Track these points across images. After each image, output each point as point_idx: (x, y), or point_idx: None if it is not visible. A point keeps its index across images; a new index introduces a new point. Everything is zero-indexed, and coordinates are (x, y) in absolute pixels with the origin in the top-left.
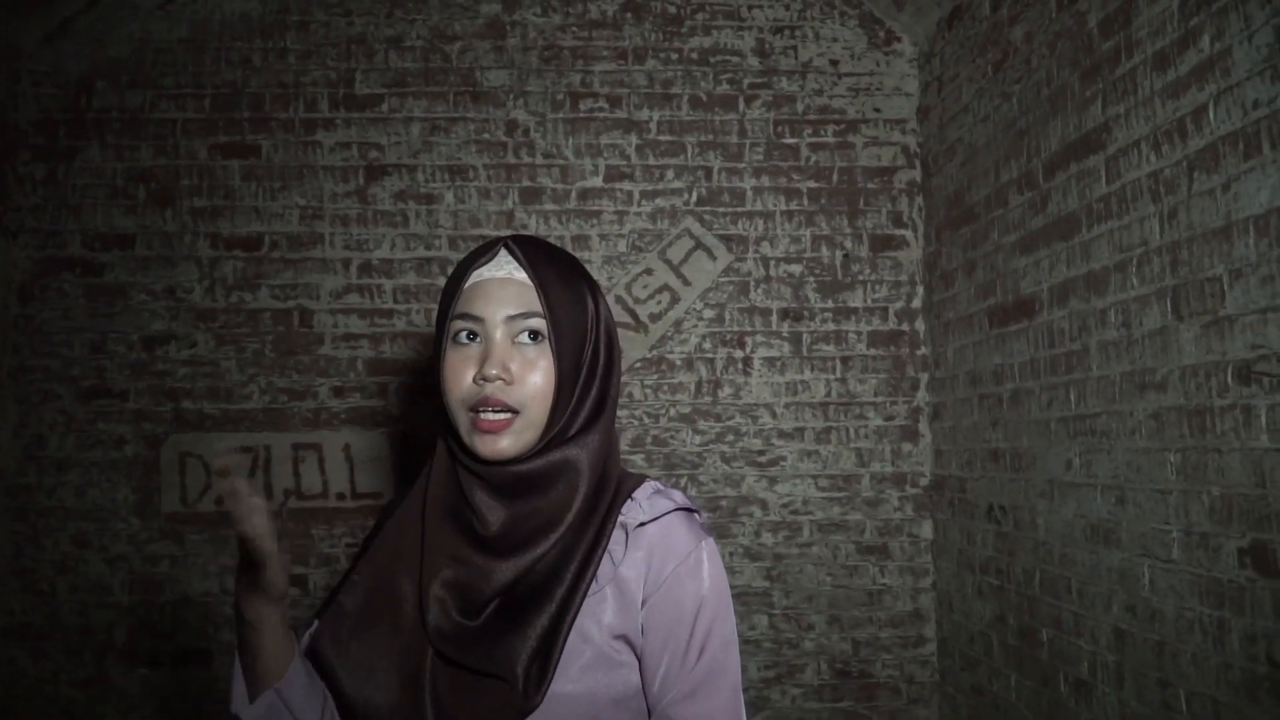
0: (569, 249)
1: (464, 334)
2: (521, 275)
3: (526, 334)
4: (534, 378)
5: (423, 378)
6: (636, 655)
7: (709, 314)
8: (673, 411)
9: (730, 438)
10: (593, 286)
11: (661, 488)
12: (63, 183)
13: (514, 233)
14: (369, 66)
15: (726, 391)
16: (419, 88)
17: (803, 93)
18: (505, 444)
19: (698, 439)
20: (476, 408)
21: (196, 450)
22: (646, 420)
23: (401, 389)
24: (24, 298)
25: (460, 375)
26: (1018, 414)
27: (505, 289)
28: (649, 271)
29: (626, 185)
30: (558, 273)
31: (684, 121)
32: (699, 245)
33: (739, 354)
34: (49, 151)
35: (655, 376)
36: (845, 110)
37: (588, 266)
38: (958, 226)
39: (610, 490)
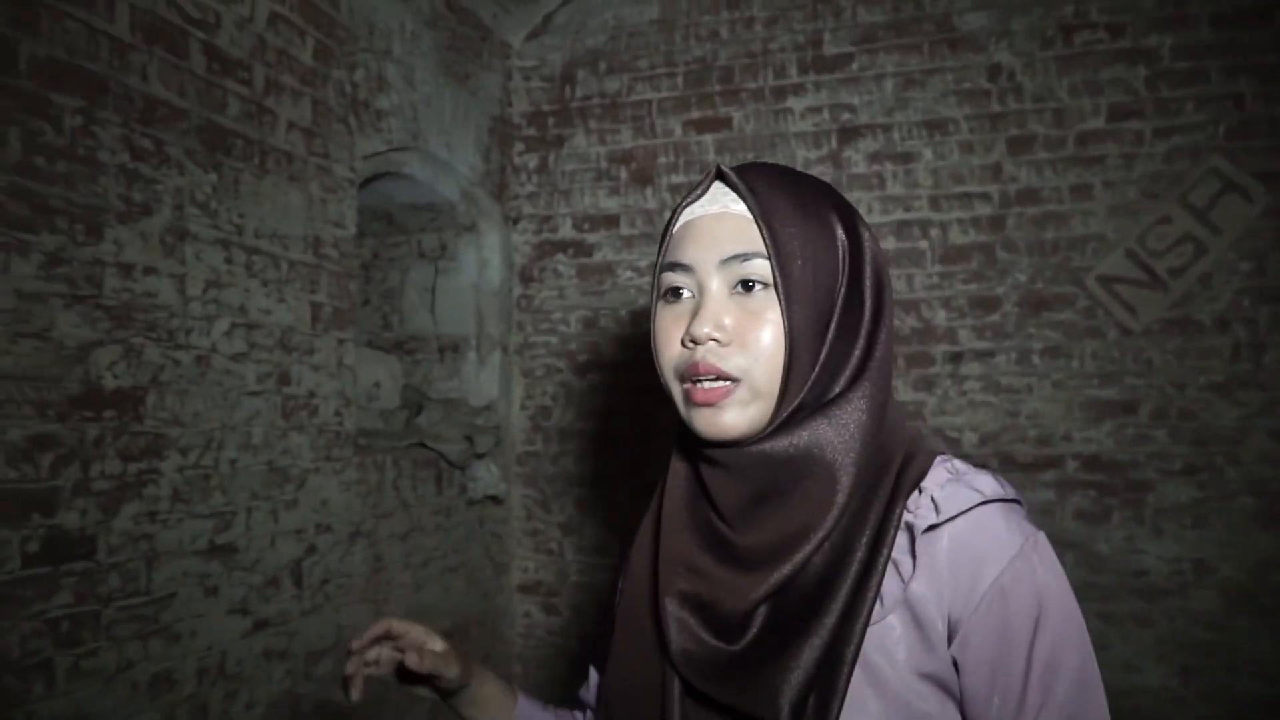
0: (1067, 201)
1: (673, 288)
2: (740, 208)
3: (748, 281)
4: (759, 335)
5: (905, 346)
6: (954, 701)
7: (1245, 266)
8: (1202, 380)
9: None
10: (845, 212)
11: (962, 469)
12: (553, 170)
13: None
14: (837, 25)
15: (1272, 357)
16: (890, 41)
17: None
18: (729, 418)
19: (1236, 411)
20: (688, 377)
21: None
22: (1169, 390)
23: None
24: (525, 279)
25: (669, 338)
26: None
27: (719, 226)
28: (1166, 220)
29: (1134, 124)
30: (790, 199)
31: (1204, 44)
32: (1229, 186)
33: None
34: (540, 141)
35: (1179, 340)
36: None
37: (1087, 221)
38: None
39: (890, 478)
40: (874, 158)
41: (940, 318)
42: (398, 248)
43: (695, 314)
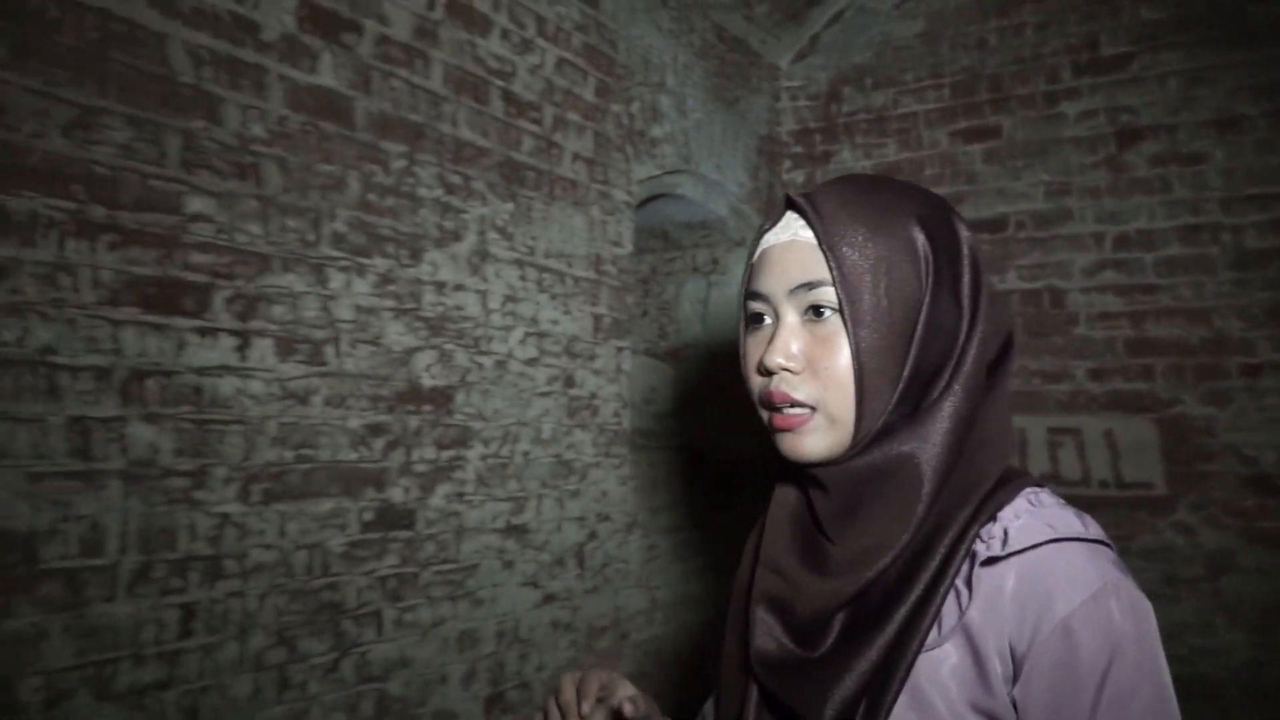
0: None
1: (755, 315)
2: (808, 234)
3: (818, 307)
4: (831, 362)
5: (1193, 357)
6: None
7: None
8: None
9: None
10: (932, 216)
11: (1046, 502)
12: None
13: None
14: (1114, 25)
15: None
16: (1174, 38)
17: None
18: (808, 444)
19: None
20: (766, 404)
21: None
22: None
23: (1169, 370)
24: None
25: (751, 364)
26: None
27: (788, 255)
28: None
29: None
30: (861, 217)
31: None
32: None
33: None
34: (807, 158)
35: None
36: None
37: None
38: None
39: (972, 502)
40: (1156, 160)
41: (1234, 327)
42: (673, 263)
43: (770, 342)
